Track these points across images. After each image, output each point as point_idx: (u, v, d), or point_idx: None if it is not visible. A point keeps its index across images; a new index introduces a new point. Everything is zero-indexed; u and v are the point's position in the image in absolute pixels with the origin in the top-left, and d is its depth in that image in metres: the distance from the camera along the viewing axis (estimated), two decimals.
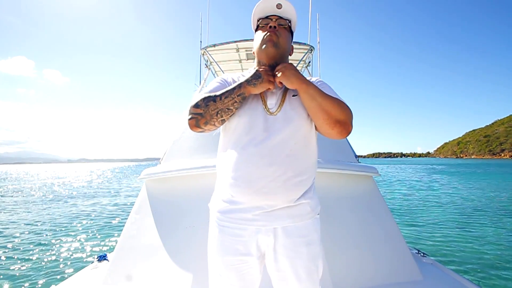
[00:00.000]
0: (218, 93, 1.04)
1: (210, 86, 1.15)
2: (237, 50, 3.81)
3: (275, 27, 1.13)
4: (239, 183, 1.05)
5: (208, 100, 1.03)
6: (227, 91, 1.03)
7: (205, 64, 3.93)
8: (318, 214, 1.19)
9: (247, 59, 4.17)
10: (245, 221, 1.07)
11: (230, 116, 1.07)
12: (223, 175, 1.12)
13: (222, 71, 3.69)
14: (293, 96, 1.10)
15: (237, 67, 4.46)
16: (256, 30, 1.21)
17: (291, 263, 1.08)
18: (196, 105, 1.04)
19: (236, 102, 1.03)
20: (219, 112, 1.02)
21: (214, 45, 3.53)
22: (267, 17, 1.17)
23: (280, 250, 1.08)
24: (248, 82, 1.04)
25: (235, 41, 3.55)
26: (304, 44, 3.60)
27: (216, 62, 3.63)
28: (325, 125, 1.04)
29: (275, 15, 1.16)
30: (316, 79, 1.21)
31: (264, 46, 1.12)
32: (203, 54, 3.68)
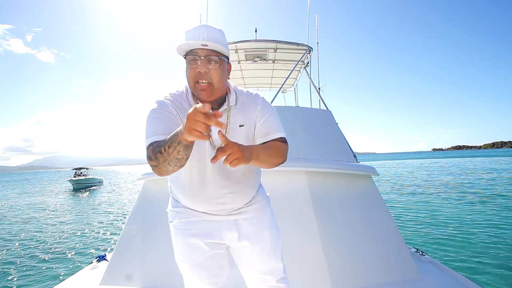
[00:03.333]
0: (162, 142, 0.96)
1: (151, 121, 1.08)
2: (236, 51, 3.82)
3: (205, 71, 1.05)
4: (195, 203, 1.22)
5: (156, 152, 0.96)
6: (169, 140, 0.92)
7: None
8: (266, 200, 1.36)
9: (246, 60, 4.18)
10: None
11: (184, 163, 0.99)
12: (180, 193, 1.25)
13: None
14: (240, 126, 1.17)
15: (236, 67, 4.47)
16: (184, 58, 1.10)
17: (257, 245, 1.25)
18: (149, 157, 0.99)
19: (180, 151, 0.90)
20: (170, 162, 0.95)
21: None
22: (193, 53, 1.05)
23: (245, 237, 1.24)
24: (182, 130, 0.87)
25: (234, 42, 3.57)
26: (303, 44, 3.61)
27: None
28: (267, 168, 1.16)
29: (204, 49, 1.04)
30: (264, 109, 1.20)
31: (198, 95, 1.09)
32: None
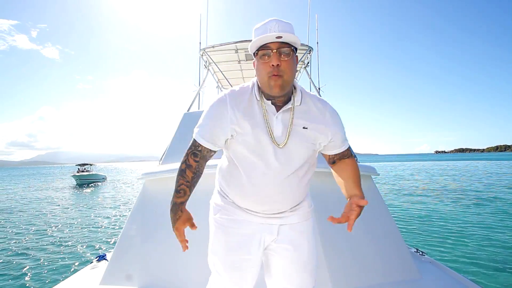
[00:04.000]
0: (183, 178, 1.22)
1: (207, 118, 1.16)
2: (236, 51, 3.82)
3: (278, 64, 1.04)
4: (249, 201, 1.20)
5: (180, 172, 1.22)
6: (175, 193, 1.25)
7: (204, 65, 3.94)
8: (311, 209, 1.33)
9: (246, 60, 4.18)
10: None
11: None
12: (232, 189, 1.23)
13: (221, 71, 3.70)
14: (304, 128, 1.14)
15: (236, 67, 4.46)
16: (255, 55, 1.11)
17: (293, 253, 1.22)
18: (183, 159, 1.21)
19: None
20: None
21: (213, 46, 3.54)
22: (264, 47, 1.06)
23: (282, 241, 1.22)
24: (171, 211, 1.25)
25: (234, 42, 3.56)
26: (303, 44, 3.61)
27: (215, 63, 3.64)
28: None
29: (276, 42, 1.04)
30: (335, 118, 1.19)
31: (271, 89, 1.08)
32: (202, 55, 3.69)
